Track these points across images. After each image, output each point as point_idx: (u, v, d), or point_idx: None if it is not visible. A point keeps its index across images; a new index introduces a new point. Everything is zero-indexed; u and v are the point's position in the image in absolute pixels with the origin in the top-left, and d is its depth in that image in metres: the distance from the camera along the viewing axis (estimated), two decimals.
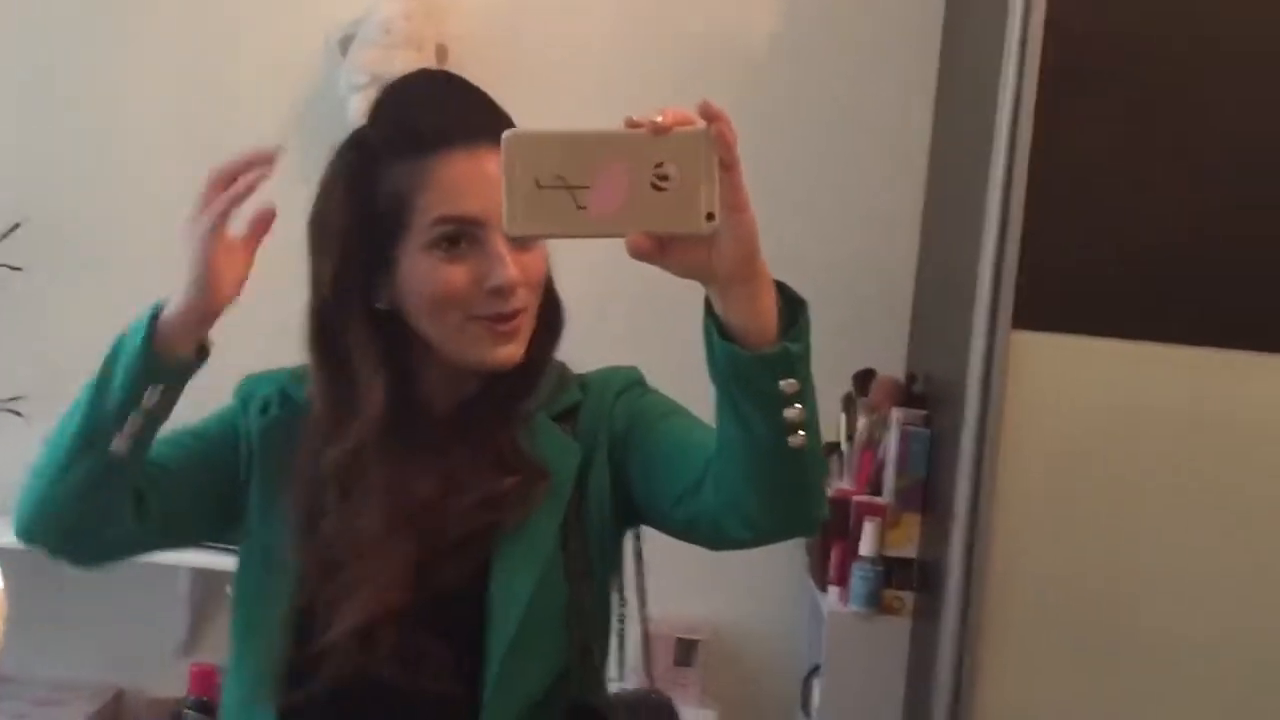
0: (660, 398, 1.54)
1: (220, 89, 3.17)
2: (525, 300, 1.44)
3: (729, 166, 1.12)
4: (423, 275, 1.42)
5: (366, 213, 1.43)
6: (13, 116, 3.32)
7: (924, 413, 2.77)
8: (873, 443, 2.86)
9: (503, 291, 1.41)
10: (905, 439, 2.72)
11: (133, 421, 1.33)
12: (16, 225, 3.13)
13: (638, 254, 1.13)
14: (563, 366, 1.55)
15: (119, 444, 1.33)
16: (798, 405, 1.21)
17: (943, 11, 3.13)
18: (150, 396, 1.33)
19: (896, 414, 2.77)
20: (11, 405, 3.09)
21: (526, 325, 1.45)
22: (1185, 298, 2.36)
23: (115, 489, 1.38)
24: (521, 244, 1.42)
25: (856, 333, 3.07)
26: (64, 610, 3.19)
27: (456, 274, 1.41)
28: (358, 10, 3.08)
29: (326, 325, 1.45)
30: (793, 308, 1.21)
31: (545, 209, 1.12)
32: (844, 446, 2.93)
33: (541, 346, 1.50)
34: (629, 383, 1.54)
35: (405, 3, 3.05)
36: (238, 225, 1.31)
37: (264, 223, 1.32)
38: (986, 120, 2.40)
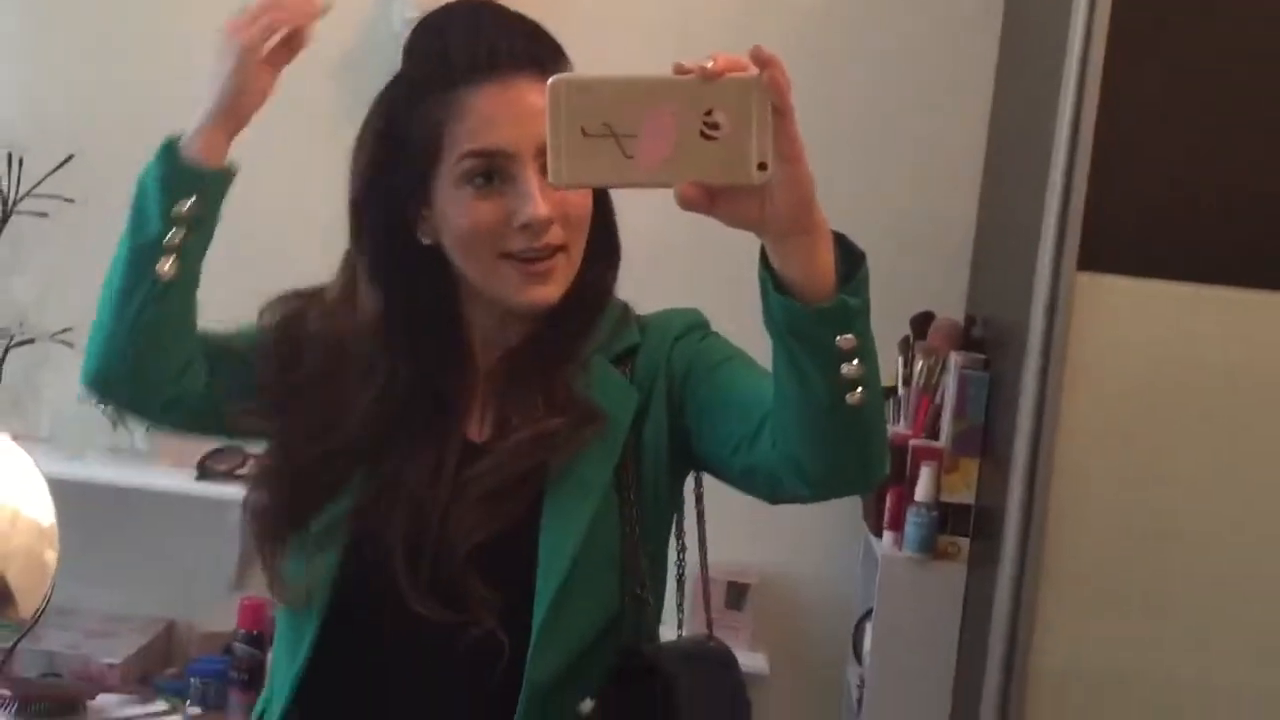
0: (721, 341, 1.50)
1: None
2: (562, 237, 1.40)
3: (782, 114, 1.08)
4: (454, 211, 1.40)
5: (401, 148, 1.41)
6: (68, 51, 3.30)
7: (983, 356, 2.72)
8: (930, 387, 2.81)
9: (533, 227, 1.38)
10: (964, 383, 2.67)
11: (173, 237, 1.35)
12: (70, 157, 3.12)
13: (687, 204, 1.09)
14: (625, 307, 1.52)
15: (165, 267, 1.35)
16: (856, 361, 1.18)
17: None
18: (183, 207, 1.34)
19: (955, 357, 2.73)
20: (63, 337, 3.09)
21: (564, 266, 1.42)
22: (1254, 242, 2.30)
23: (171, 321, 1.40)
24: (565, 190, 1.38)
25: (915, 275, 3.02)
26: (116, 543, 3.20)
27: (486, 210, 1.38)
28: None
29: (374, 263, 1.45)
30: (851, 260, 1.18)
31: (592, 158, 1.08)
32: (901, 390, 2.89)
33: (594, 284, 1.47)
34: (689, 325, 1.50)
35: None
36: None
37: (299, 41, 1.36)
38: (1054, 60, 2.33)
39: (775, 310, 1.17)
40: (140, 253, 1.37)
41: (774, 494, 1.37)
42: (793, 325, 1.17)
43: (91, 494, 2.96)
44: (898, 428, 2.86)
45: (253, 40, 1.34)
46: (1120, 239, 2.31)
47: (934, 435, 2.77)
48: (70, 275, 3.15)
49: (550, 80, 1.10)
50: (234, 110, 1.36)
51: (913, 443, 2.73)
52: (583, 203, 1.42)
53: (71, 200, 3.12)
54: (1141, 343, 2.33)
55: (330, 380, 1.44)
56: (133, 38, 3.24)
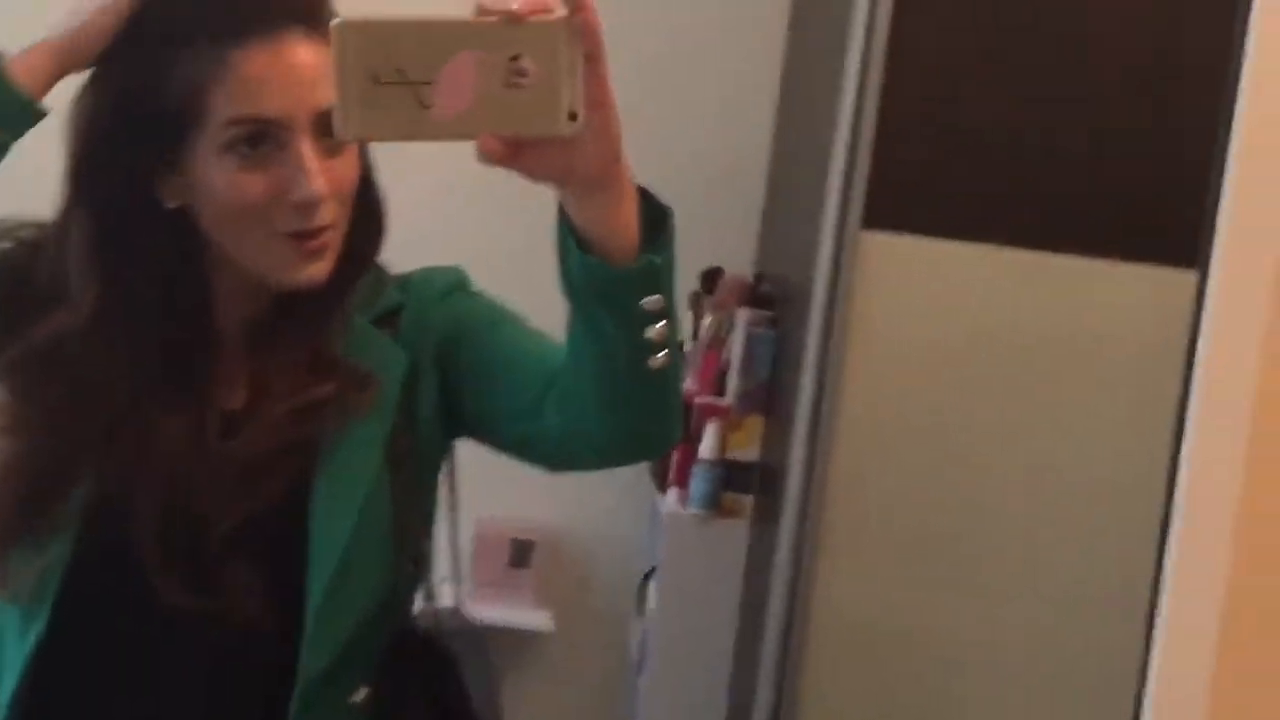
0: (488, 301, 1.41)
1: None
2: (334, 215, 1.28)
3: (594, 59, 1.00)
4: (218, 182, 1.26)
5: (148, 105, 1.25)
6: None
7: (770, 314, 2.72)
8: (718, 343, 2.80)
9: (309, 206, 1.26)
10: (750, 340, 2.67)
11: None
12: None
13: (489, 158, 1.01)
14: (378, 266, 1.40)
15: None
16: (661, 324, 1.12)
17: None
18: None
19: (743, 314, 2.72)
20: None
21: (334, 240, 1.30)
22: (1038, 202, 2.33)
23: None
24: (329, 144, 1.26)
25: (704, 229, 2.96)
26: None
27: (255, 183, 1.25)
28: None
29: (99, 225, 1.29)
30: (655, 217, 1.11)
31: (383, 109, 0.99)
32: (688, 346, 2.87)
33: (358, 252, 1.35)
34: (452, 284, 1.40)
35: None
36: None
37: None
38: (842, 11, 2.33)
39: (576, 270, 1.10)
40: None
41: (556, 462, 1.31)
42: (595, 286, 1.10)
43: None
44: (684, 384, 2.84)
45: None
46: (905, 197, 2.32)
47: (720, 392, 2.76)
48: None
49: (334, 22, 0.99)
50: (73, 48, 1.24)
51: (698, 400, 2.72)
52: (353, 175, 1.31)
53: None
54: (925, 302, 2.35)
55: (55, 355, 1.30)
56: None
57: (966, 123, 2.32)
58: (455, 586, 1.51)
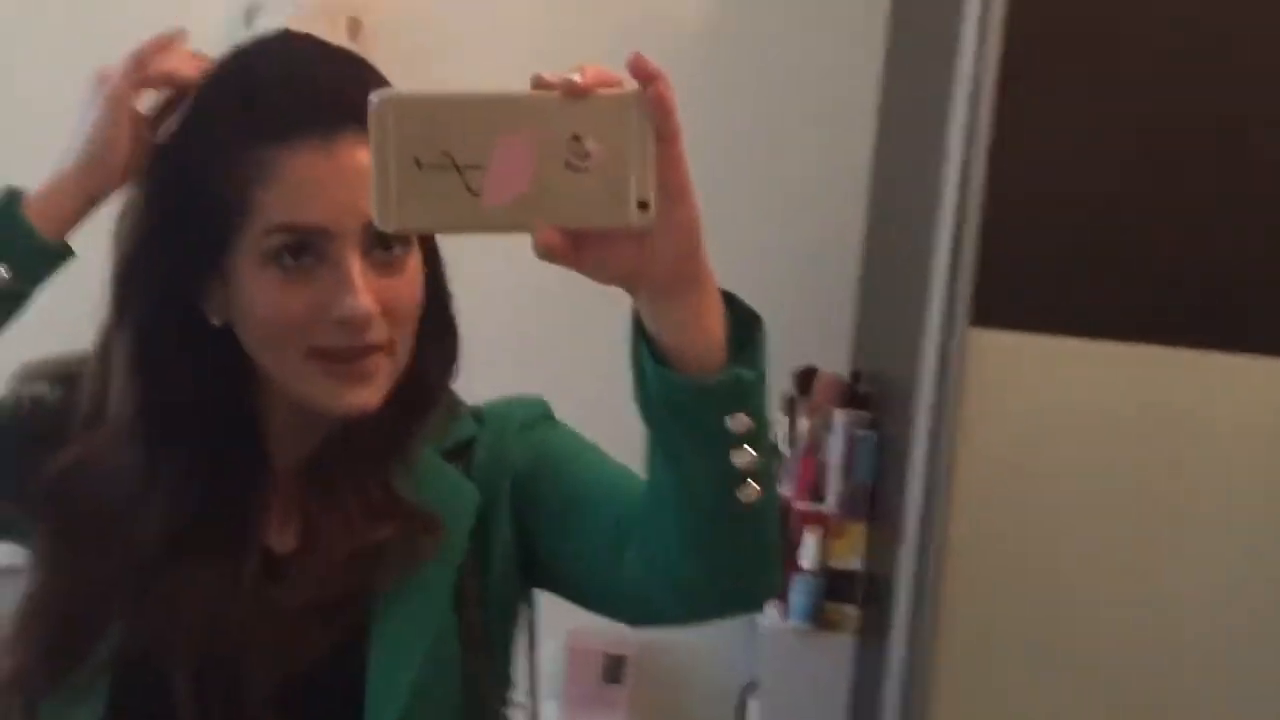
0: (571, 434, 1.28)
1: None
2: (384, 335, 1.15)
3: (668, 140, 0.89)
4: (255, 293, 1.13)
5: (194, 206, 1.14)
6: None
7: (870, 414, 2.61)
8: (815, 446, 2.69)
9: (351, 324, 1.13)
10: (851, 442, 2.56)
11: None
12: None
13: (548, 253, 0.89)
14: (451, 394, 1.28)
15: None
16: (750, 449, 0.98)
17: None
18: None
19: (840, 416, 2.61)
20: None
21: (388, 365, 1.17)
22: (1146, 296, 2.23)
23: None
24: (384, 258, 1.13)
25: (797, 327, 2.88)
26: None
27: (295, 298, 1.12)
28: None
29: (140, 343, 1.18)
30: (743, 325, 0.98)
31: (427, 196, 0.89)
32: (784, 450, 2.76)
33: (424, 375, 1.22)
34: (534, 415, 1.28)
35: None
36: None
37: (181, 89, 1.15)
38: (940, 108, 2.25)
39: (651, 385, 0.97)
40: None
41: (641, 617, 1.17)
42: (673, 403, 0.97)
43: None
44: (781, 490, 2.73)
45: (120, 90, 1.14)
46: (1012, 293, 2.22)
47: (819, 498, 2.65)
48: None
49: (375, 95, 0.89)
50: (93, 171, 1.15)
51: (797, 506, 2.61)
52: (411, 291, 1.17)
53: None
54: (1036, 400, 2.24)
55: (87, 485, 1.19)
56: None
57: (1074, 215, 2.22)
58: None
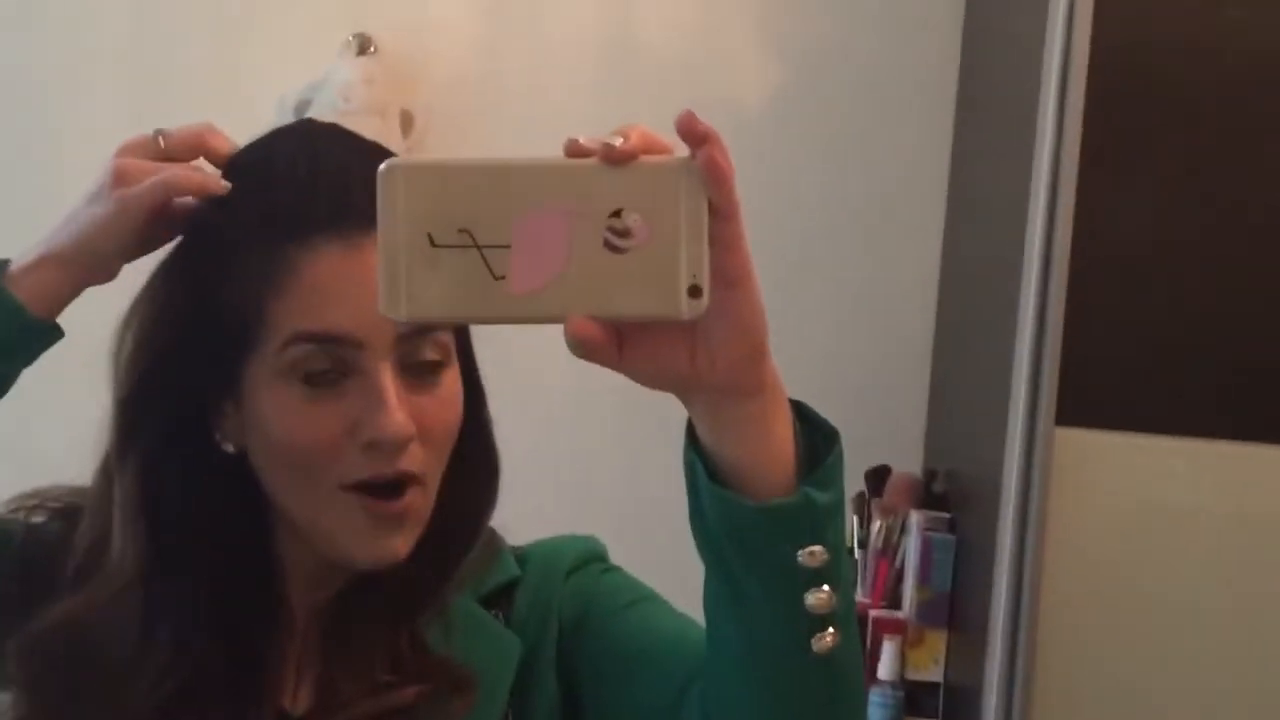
0: (626, 580, 1.12)
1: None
2: (421, 464, 1.01)
3: (724, 215, 0.76)
4: (274, 416, 1.00)
5: (203, 323, 1.02)
6: None
7: (947, 515, 2.50)
8: (889, 549, 2.57)
9: (383, 448, 0.98)
10: (927, 546, 2.44)
11: None
12: None
13: (583, 349, 0.76)
14: (491, 532, 1.13)
15: None
16: (826, 588, 0.84)
17: (958, 64, 2.89)
18: None
19: (916, 517, 2.50)
20: None
21: (420, 503, 1.02)
22: (1235, 391, 2.14)
23: None
24: (419, 373, 0.99)
25: (866, 425, 2.79)
26: None
27: (320, 418, 0.98)
28: (315, 73, 2.82)
29: (147, 477, 1.04)
30: (814, 438, 0.85)
31: (444, 280, 0.76)
32: (857, 553, 2.65)
33: (460, 518, 1.08)
34: (586, 556, 1.12)
35: (366, 67, 2.79)
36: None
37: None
38: (1019, 194, 2.16)
39: (708, 509, 0.83)
40: None
41: None
42: (734, 532, 0.83)
43: None
44: (855, 595, 2.61)
45: (145, 201, 1.00)
46: (1097, 392, 2.13)
47: (895, 604, 2.53)
48: None
49: (383, 165, 0.76)
50: (89, 266, 1.02)
51: (873, 614, 2.49)
52: (450, 414, 1.03)
53: None
54: (1122, 499, 2.15)
55: (80, 637, 1.04)
56: (17, 141, 2.98)
57: (1159, 309, 2.14)
58: None
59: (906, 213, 2.91)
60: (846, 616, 0.86)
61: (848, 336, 2.90)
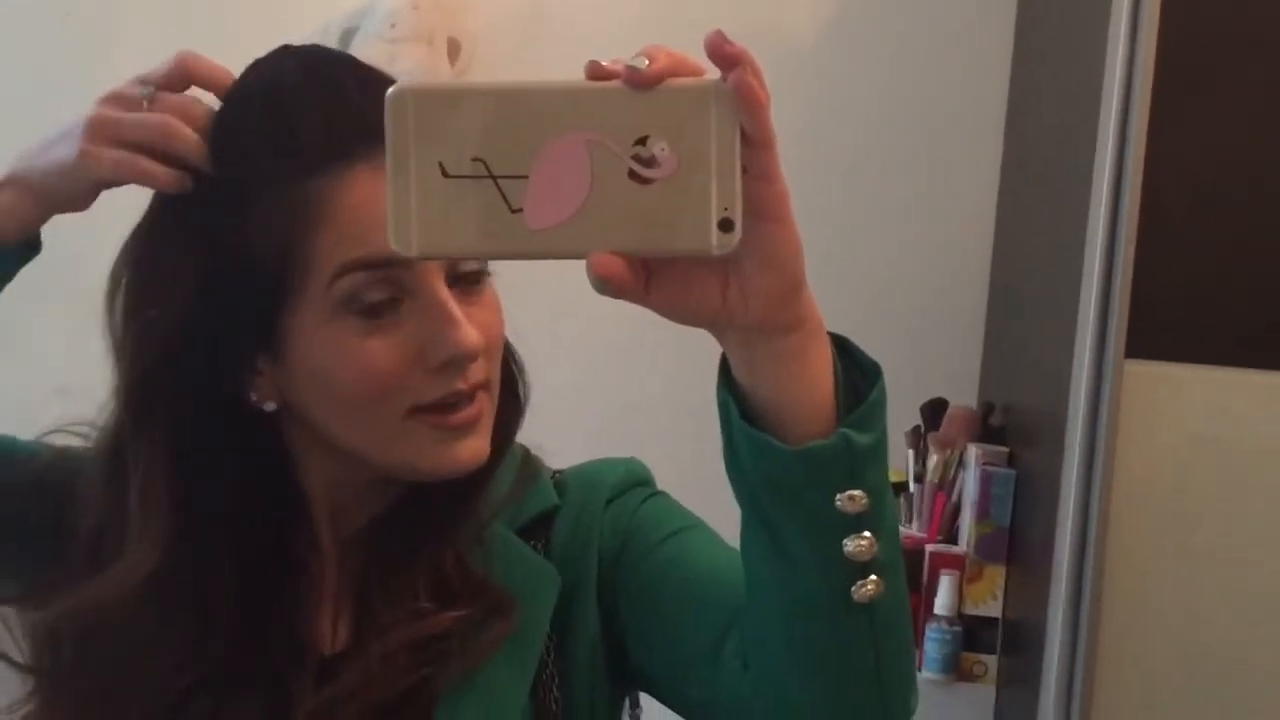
0: (672, 506, 1.08)
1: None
2: (484, 372, 0.98)
3: (758, 143, 0.71)
4: (334, 356, 0.95)
5: (225, 279, 0.96)
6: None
7: (1005, 449, 2.46)
8: (945, 483, 2.54)
9: (458, 363, 0.95)
10: (986, 480, 2.40)
11: None
12: None
13: (607, 286, 0.71)
14: (526, 453, 1.09)
15: None
16: (867, 534, 0.80)
17: None
18: None
19: (975, 451, 2.46)
20: None
21: (489, 407, 1.00)
22: None
23: None
24: (467, 285, 0.96)
25: (921, 357, 2.76)
26: None
27: (384, 349, 0.95)
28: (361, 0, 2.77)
29: (177, 448, 0.99)
30: (856, 375, 0.81)
31: (457, 212, 0.71)
32: (912, 487, 2.61)
33: (496, 431, 1.03)
34: (629, 481, 1.08)
35: None
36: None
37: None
38: (1086, 119, 2.10)
39: (742, 450, 0.79)
40: None
41: None
42: (770, 476, 0.79)
43: None
44: (910, 530, 2.58)
45: (100, 172, 0.95)
46: (1168, 323, 2.08)
47: (951, 538, 2.50)
48: None
49: (391, 90, 0.71)
50: (52, 196, 0.97)
51: (929, 548, 2.46)
52: (500, 320, 1.01)
53: None
54: (1191, 433, 2.10)
55: (108, 616, 0.98)
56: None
57: (1231, 238, 2.08)
58: None
59: (963, 137, 2.84)
60: (890, 564, 0.82)
61: (903, 267, 2.86)
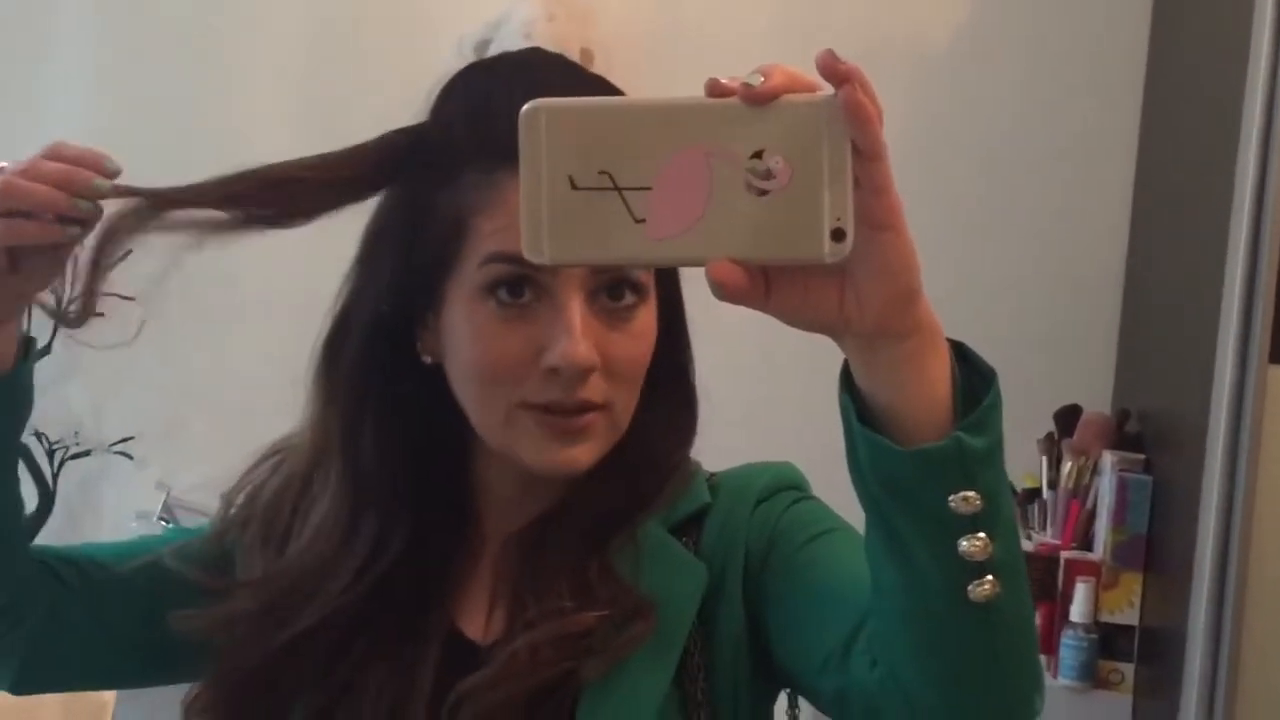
0: (819, 510, 1.10)
1: (340, 103, 2.88)
2: (604, 393, 1.03)
3: (869, 156, 0.74)
4: (468, 331, 1.03)
5: (416, 235, 1.05)
6: (132, 136, 3.09)
7: (1142, 456, 2.43)
8: (1080, 489, 2.52)
9: (564, 374, 1.01)
10: (1122, 486, 2.38)
11: None
12: (129, 252, 2.89)
13: (726, 292, 0.75)
14: (685, 458, 1.15)
15: None
16: (982, 534, 0.81)
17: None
18: None
19: (1110, 458, 2.44)
20: (122, 448, 2.87)
21: (605, 425, 1.05)
22: None
23: None
24: (612, 306, 1.02)
25: (1055, 365, 2.74)
26: None
27: (509, 338, 1.02)
28: (495, 11, 2.81)
29: (359, 381, 1.09)
30: (973, 381, 0.83)
31: (585, 223, 0.76)
32: (1046, 493, 2.60)
33: (656, 455, 1.10)
34: (779, 484, 1.11)
35: (547, 4, 2.78)
36: None
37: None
38: (1229, 121, 2.08)
39: (861, 451, 0.82)
40: None
41: None
42: (887, 477, 0.81)
43: None
44: (1044, 536, 2.56)
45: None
46: None
47: (1086, 545, 2.48)
48: (129, 381, 2.94)
49: (525, 108, 0.76)
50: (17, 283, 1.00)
51: (1065, 555, 2.44)
52: (639, 350, 1.05)
53: (131, 298, 2.88)
54: None
55: (290, 570, 1.09)
56: (199, 126, 3.02)
57: None
58: None
59: (1098, 140, 2.82)
60: (1008, 565, 0.83)
61: (1036, 274, 2.83)
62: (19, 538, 1.11)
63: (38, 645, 1.12)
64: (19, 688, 1.16)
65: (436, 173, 1.04)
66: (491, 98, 1.02)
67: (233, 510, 1.16)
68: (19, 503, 1.10)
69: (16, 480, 1.09)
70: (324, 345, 1.10)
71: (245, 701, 1.09)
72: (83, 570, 1.14)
